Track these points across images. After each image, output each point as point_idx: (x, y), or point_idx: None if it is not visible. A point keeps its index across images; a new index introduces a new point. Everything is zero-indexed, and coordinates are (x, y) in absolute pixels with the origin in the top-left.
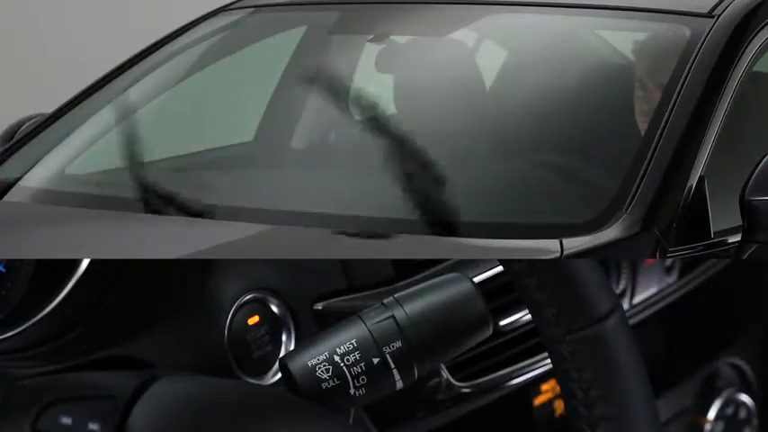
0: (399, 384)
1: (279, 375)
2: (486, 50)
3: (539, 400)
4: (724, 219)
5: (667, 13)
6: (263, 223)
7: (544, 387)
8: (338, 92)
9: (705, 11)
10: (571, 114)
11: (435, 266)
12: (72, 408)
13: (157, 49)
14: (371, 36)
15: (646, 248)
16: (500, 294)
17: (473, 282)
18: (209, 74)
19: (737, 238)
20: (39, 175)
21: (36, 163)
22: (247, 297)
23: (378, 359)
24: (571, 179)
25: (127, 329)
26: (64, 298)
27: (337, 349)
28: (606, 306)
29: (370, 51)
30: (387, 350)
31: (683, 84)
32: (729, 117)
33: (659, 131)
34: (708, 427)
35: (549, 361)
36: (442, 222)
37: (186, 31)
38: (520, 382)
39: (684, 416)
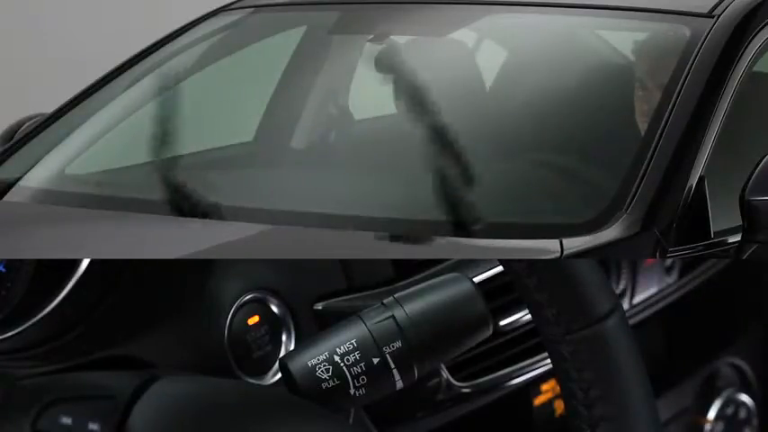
0: (399, 384)
1: (279, 375)
2: (486, 50)
3: (539, 400)
4: (724, 219)
5: (667, 13)
6: (263, 223)
7: (544, 387)
8: (338, 92)
9: (705, 11)
10: (571, 114)
11: (435, 266)
12: (72, 408)
13: (157, 49)
14: (371, 36)
15: (646, 248)
16: (500, 294)
17: (473, 282)
18: (209, 74)
19: (737, 238)
20: (39, 175)
21: (36, 163)
22: (247, 297)
23: (378, 359)
24: (571, 179)
25: (127, 329)
26: (64, 298)
27: (337, 349)
28: (606, 306)
29: (370, 51)
30: (387, 350)
31: (683, 84)
32: (729, 117)
33: (659, 131)
34: (708, 427)
35: (549, 361)
36: (442, 222)
37: (186, 31)
38: (520, 382)
39: (684, 416)
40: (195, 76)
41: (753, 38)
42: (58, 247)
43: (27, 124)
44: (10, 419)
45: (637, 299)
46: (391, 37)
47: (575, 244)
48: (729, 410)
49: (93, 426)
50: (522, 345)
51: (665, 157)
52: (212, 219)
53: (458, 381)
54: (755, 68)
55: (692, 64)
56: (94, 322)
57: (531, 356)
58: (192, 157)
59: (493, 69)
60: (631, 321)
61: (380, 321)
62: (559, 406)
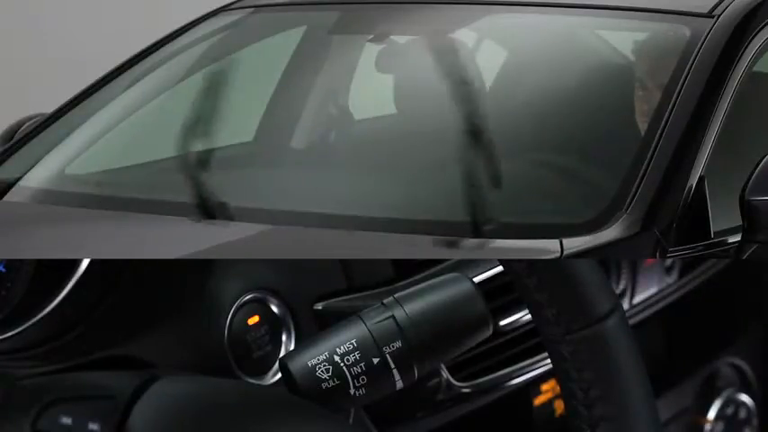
0: (399, 384)
1: (279, 375)
2: (486, 50)
3: (539, 400)
4: (724, 219)
5: (667, 13)
6: (262, 223)
7: (544, 387)
8: (338, 92)
9: (705, 11)
10: (571, 114)
11: (435, 266)
12: (72, 408)
13: (157, 49)
14: (371, 36)
15: (646, 248)
16: (500, 294)
17: (473, 282)
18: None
19: (737, 238)
20: (39, 175)
21: (36, 163)
22: (247, 297)
23: (378, 359)
24: (571, 179)
25: (127, 329)
26: (64, 298)
27: (337, 349)
28: (606, 306)
29: (370, 51)
30: (387, 350)
31: (683, 84)
32: (729, 117)
33: (659, 131)
34: (708, 427)
35: (549, 361)
36: (442, 222)
37: (186, 31)
38: (520, 382)
39: (684, 416)
40: (195, 76)
41: (753, 38)
42: (58, 247)
43: (27, 124)
44: (10, 419)
45: (637, 299)
46: (391, 37)
47: (575, 244)
48: (729, 410)
49: (93, 426)
50: (522, 345)
51: (665, 157)
52: (212, 219)
53: (458, 381)
54: (755, 68)
55: (692, 64)
56: (94, 322)
57: (531, 356)
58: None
59: (493, 69)
60: (631, 321)
61: (380, 321)
62: (559, 406)
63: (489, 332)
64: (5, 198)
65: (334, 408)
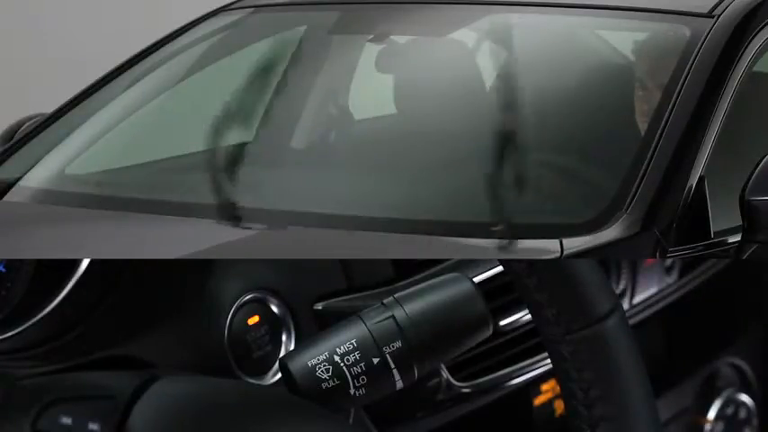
0: (399, 384)
1: (279, 375)
2: (486, 50)
3: (539, 400)
4: (724, 219)
5: (667, 13)
6: (263, 223)
7: (544, 387)
8: (338, 92)
9: (705, 11)
10: (571, 114)
11: (435, 266)
12: (72, 408)
13: (157, 49)
14: (371, 36)
15: (646, 248)
16: (500, 294)
17: (473, 282)
18: (209, 74)
19: (737, 238)
20: (39, 175)
21: (36, 163)
22: (247, 297)
23: (378, 359)
24: (571, 179)
25: (127, 329)
26: (64, 298)
27: (337, 349)
28: (606, 306)
29: (370, 51)
30: (387, 350)
31: (683, 84)
32: (729, 117)
33: (659, 131)
34: (708, 427)
35: (549, 361)
36: (442, 222)
37: (186, 31)
38: (520, 382)
39: (684, 416)
40: (195, 76)
41: (753, 38)
42: (58, 247)
43: (27, 124)
44: (10, 419)
45: (637, 299)
46: (391, 37)
47: (575, 244)
48: (729, 410)
49: (93, 426)
50: (522, 345)
51: (665, 157)
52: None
53: (458, 381)
54: (755, 68)
55: (692, 64)
56: (94, 322)
57: (531, 356)
58: (192, 156)
59: (493, 69)
60: (631, 321)
61: (380, 321)
62: (559, 406)
63: (489, 332)
64: (5, 198)
65: (334, 408)
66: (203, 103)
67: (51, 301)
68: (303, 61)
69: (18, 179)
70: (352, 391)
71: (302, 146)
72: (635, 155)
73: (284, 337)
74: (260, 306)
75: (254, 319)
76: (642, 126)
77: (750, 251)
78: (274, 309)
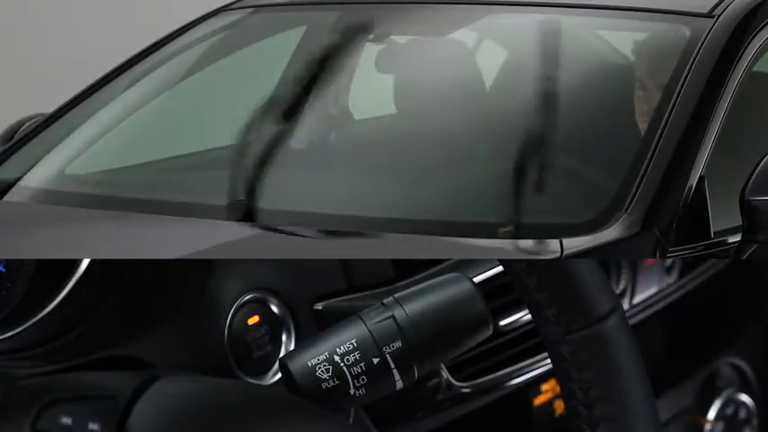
0: (399, 384)
1: (279, 375)
2: (486, 50)
3: (539, 400)
4: (724, 219)
5: (667, 13)
6: (263, 223)
7: (544, 387)
8: (338, 92)
9: (705, 11)
10: (571, 114)
11: (435, 266)
12: (72, 408)
13: (157, 49)
14: (371, 36)
15: (646, 248)
16: (500, 294)
17: (473, 282)
18: (209, 74)
19: (737, 238)
20: (39, 175)
21: (36, 163)
22: (247, 297)
23: (378, 359)
24: (571, 179)
25: (127, 329)
26: (64, 298)
27: (337, 349)
28: (606, 306)
29: (370, 51)
30: (387, 350)
31: (683, 84)
32: (729, 117)
33: (659, 131)
34: (708, 427)
35: (549, 361)
36: (442, 222)
37: (186, 31)
38: (520, 382)
39: (684, 416)
40: (195, 76)
41: (753, 38)
42: (58, 247)
43: (27, 124)
44: (10, 419)
45: (637, 299)
46: (391, 37)
47: (575, 244)
48: (729, 410)
49: (93, 426)
50: (522, 345)
51: (665, 157)
52: (212, 219)
53: (458, 381)
54: (755, 68)
55: (692, 64)
56: (94, 322)
57: (531, 356)
58: (192, 156)
59: (493, 69)
60: (631, 321)
61: (380, 321)
62: (559, 406)
63: (489, 332)
64: (5, 198)
65: (334, 408)
66: (203, 103)
67: (51, 301)
68: (303, 61)
69: (18, 179)
70: (352, 391)
71: (302, 146)
72: (635, 155)
73: (284, 337)
74: (260, 306)
75: (254, 319)
76: (642, 126)
77: (750, 251)
78: (274, 309)
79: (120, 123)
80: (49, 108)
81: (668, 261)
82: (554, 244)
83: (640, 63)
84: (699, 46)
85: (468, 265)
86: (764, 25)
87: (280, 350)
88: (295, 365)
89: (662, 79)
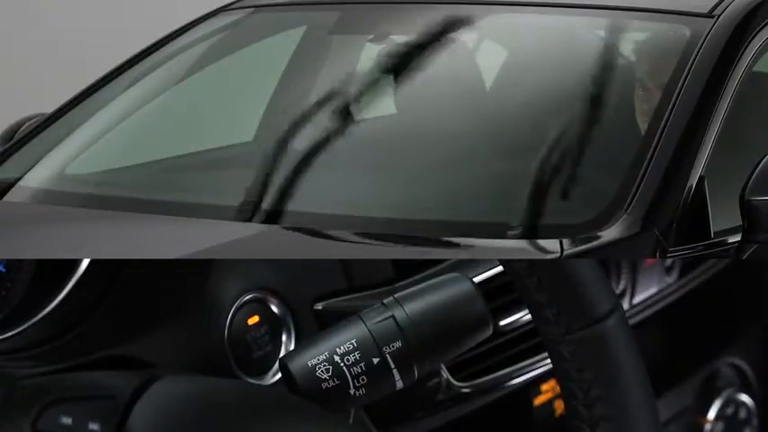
0: (399, 384)
1: (279, 375)
2: (486, 50)
3: (539, 400)
4: (724, 219)
5: (667, 13)
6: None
7: (544, 387)
8: (338, 92)
9: (705, 11)
10: (571, 114)
11: (435, 266)
12: (72, 408)
13: (157, 49)
14: (371, 36)
15: (646, 248)
16: (500, 294)
17: (473, 282)
18: (209, 74)
19: (737, 238)
20: (39, 175)
21: (36, 163)
22: (247, 297)
23: (378, 359)
24: (571, 179)
25: (127, 329)
26: (64, 298)
27: (337, 349)
28: (606, 306)
29: (370, 51)
30: (387, 350)
31: (683, 84)
32: (729, 117)
33: (659, 131)
34: (708, 427)
35: (549, 361)
36: (441, 222)
37: (186, 31)
38: (520, 382)
39: (684, 416)
40: (195, 76)
41: (753, 38)
42: (58, 247)
43: (27, 124)
44: (10, 419)
45: (637, 299)
46: (391, 37)
47: (575, 244)
48: (729, 410)
49: (93, 426)
50: (522, 345)
51: (665, 157)
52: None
53: (458, 381)
54: (755, 68)
55: (692, 64)
56: (94, 322)
57: (531, 356)
58: (192, 156)
59: (493, 69)
60: (631, 321)
61: (380, 321)
62: (559, 406)
63: (489, 332)
64: (5, 198)
65: (334, 408)
66: (203, 103)
67: (51, 301)
68: (303, 61)
69: (18, 179)
70: (352, 391)
71: (302, 146)
72: (635, 155)
73: (284, 337)
74: (260, 306)
75: (254, 319)
76: (642, 126)
77: (750, 251)
78: (274, 309)
79: (120, 123)
80: (49, 108)
81: (668, 261)
82: (554, 244)
83: (640, 63)
84: (699, 46)
85: (468, 265)
86: (764, 25)
87: (280, 350)
88: (295, 365)
89: (662, 79)
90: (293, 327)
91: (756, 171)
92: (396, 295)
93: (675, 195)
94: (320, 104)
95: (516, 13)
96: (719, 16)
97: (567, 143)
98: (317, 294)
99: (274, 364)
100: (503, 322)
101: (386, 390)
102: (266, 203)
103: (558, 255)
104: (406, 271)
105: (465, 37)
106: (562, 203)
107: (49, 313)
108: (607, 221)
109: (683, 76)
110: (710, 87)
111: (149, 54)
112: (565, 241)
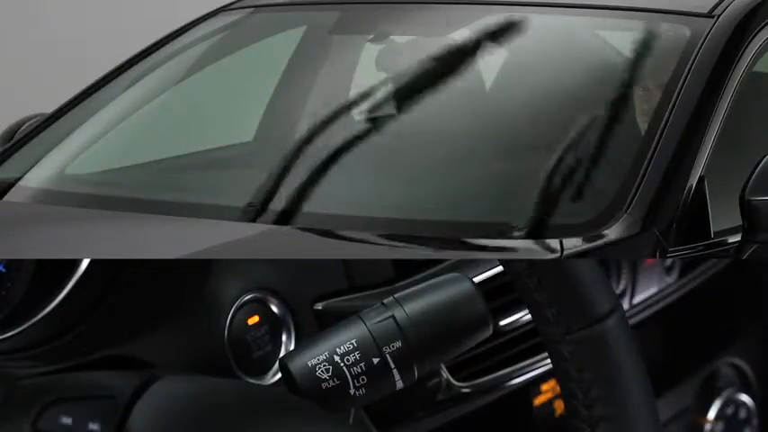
0: (399, 384)
1: (279, 375)
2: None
3: (539, 400)
4: (724, 219)
5: (667, 13)
6: (263, 223)
7: (544, 387)
8: (338, 92)
9: (705, 11)
10: (571, 114)
11: (435, 266)
12: (72, 408)
13: (157, 49)
14: (371, 36)
15: (646, 248)
16: (500, 294)
17: (473, 282)
18: (209, 74)
19: (737, 238)
20: (39, 175)
21: (36, 163)
22: (247, 297)
23: (378, 359)
24: (571, 179)
25: (127, 329)
26: (64, 298)
27: (337, 349)
28: (606, 306)
29: (370, 51)
30: (387, 350)
31: (683, 84)
32: (729, 117)
33: (659, 131)
34: (708, 427)
35: (549, 361)
36: (441, 222)
37: (186, 31)
38: (520, 382)
39: (684, 416)
40: (195, 76)
41: (753, 38)
42: (58, 247)
43: (27, 124)
44: (10, 419)
45: (637, 299)
46: (391, 37)
47: (575, 244)
48: (729, 410)
49: (93, 426)
50: (522, 345)
51: (665, 157)
52: (212, 219)
53: (458, 381)
54: (755, 68)
55: (692, 64)
56: (94, 322)
57: (531, 356)
58: (192, 156)
59: (493, 69)
60: (631, 321)
61: (380, 321)
62: (559, 406)
63: (489, 332)
64: (5, 198)
65: (334, 408)
66: (203, 103)
67: (51, 301)
68: (303, 61)
69: (18, 179)
70: (352, 391)
71: (302, 146)
72: (635, 155)
73: (284, 337)
74: (260, 306)
75: (254, 319)
76: (642, 126)
77: (750, 251)
78: (274, 309)
79: (120, 123)
80: (49, 108)
81: (668, 261)
82: (554, 244)
83: (640, 63)
84: (699, 46)
85: (468, 265)
86: (764, 25)
87: (280, 350)
88: (295, 365)
89: (662, 79)
90: (293, 327)
91: (756, 171)
92: (396, 295)
93: (675, 195)
94: (320, 104)
95: (516, 13)
96: (719, 16)
97: (566, 143)
98: (317, 294)
99: (274, 364)
100: (503, 322)
101: (386, 390)
102: (266, 204)
103: (559, 255)
104: (406, 271)
105: (465, 37)
106: (562, 203)
107: (49, 313)
108: (607, 221)
109: (683, 76)
110: (710, 87)
111: (149, 54)
112: (565, 241)
